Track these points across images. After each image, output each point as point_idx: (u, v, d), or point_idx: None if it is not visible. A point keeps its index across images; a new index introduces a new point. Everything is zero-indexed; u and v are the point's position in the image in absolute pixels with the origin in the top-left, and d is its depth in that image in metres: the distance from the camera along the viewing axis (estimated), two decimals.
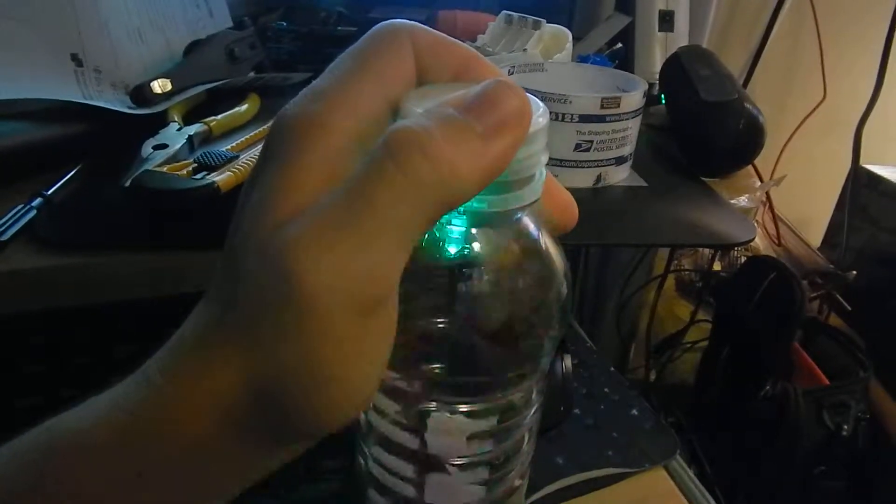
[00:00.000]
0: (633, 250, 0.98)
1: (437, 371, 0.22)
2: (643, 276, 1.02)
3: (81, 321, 0.47)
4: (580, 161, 0.48)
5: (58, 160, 0.44)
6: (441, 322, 0.21)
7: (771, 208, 0.94)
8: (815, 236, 1.00)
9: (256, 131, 0.49)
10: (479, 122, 0.16)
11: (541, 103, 0.19)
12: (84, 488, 0.16)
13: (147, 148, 0.43)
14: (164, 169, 0.40)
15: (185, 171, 0.40)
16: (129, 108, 0.49)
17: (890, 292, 0.85)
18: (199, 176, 0.39)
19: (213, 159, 0.41)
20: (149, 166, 0.40)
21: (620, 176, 0.51)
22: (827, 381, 0.79)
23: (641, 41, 0.77)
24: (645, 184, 0.52)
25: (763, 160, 0.61)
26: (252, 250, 0.16)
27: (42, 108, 0.47)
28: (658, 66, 0.71)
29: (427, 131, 0.16)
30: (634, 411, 0.54)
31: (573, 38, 0.62)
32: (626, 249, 0.98)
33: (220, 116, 0.51)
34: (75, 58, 0.49)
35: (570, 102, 0.45)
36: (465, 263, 0.20)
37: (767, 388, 0.76)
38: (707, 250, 0.97)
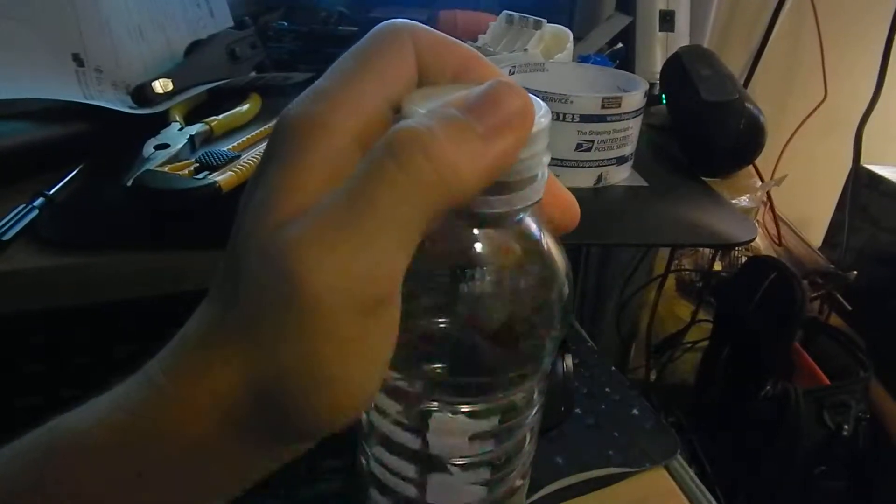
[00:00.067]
0: (633, 250, 0.98)
1: (438, 371, 0.22)
2: (644, 275, 1.02)
3: (82, 321, 0.47)
4: (581, 161, 0.48)
5: (59, 160, 0.44)
6: (443, 322, 0.21)
7: (772, 208, 0.94)
8: (816, 236, 1.00)
9: (258, 131, 0.49)
10: (480, 122, 0.16)
11: (543, 104, 0.19)
12: (84, 488, 0.16)
13: (148, 148, 0.43)
14: (166, 169, 0.40)
15: (186, 171, 0.40)
16: (131, 107, 0.49)
17: (890, 292, 0.85)
18: (200, 176, 0.39)
19: (214, 159, 0.41)
20: (150, 166, 0.40)
21: (621, 176, 0.51)
22: (827, 381, 0.79)
23: (642, 41, 0.77)
24: (646, 184, 0.52)
25: (764, 160, 0.61)
26: (253, 250, 0.16)
27: (43, 107, 0.47)
28: (659, 66, 0.71)
29: (429, 131, 0.16)
30: (635, 411, 0.54)
31: (574, 37, 0.62)
32: (627, 249, 0.98)
33: (221, 116, 0.51)
34: (76, 57, 0.49)
35: (571, 102, 0.45)
36: (467, 263, 0.20)
37: (768, 387, 0.76)
38: (707, 250, 0.97)
